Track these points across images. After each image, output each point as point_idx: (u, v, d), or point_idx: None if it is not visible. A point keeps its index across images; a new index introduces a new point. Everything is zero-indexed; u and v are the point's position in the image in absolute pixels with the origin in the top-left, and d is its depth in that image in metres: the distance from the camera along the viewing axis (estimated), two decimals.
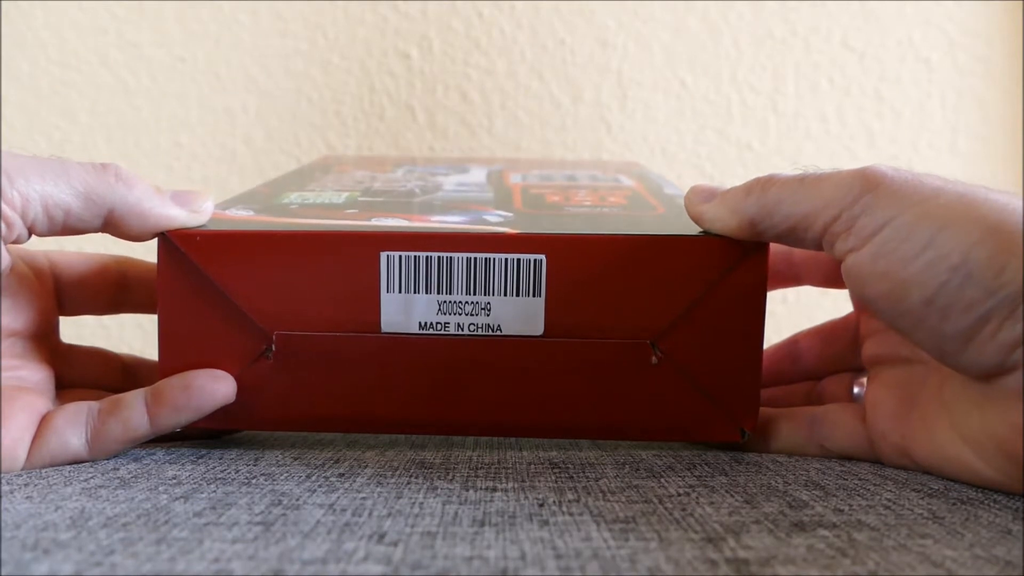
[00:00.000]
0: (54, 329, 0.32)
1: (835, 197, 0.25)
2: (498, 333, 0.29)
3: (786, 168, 0.27)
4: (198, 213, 0.29)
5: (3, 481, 0.26)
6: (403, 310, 0.29)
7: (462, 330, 0.29)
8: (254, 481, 0.26)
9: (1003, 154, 0.67)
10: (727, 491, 0.25)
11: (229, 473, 0.27)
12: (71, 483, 0.25)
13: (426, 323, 0.29)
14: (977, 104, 0.67)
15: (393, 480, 0.26)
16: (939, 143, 0.67)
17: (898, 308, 0.24)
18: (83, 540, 0.19)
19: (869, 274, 0.24)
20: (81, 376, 0.33)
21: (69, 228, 0.28)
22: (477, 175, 0.43)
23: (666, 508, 0.23)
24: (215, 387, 0.28)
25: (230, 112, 0.66)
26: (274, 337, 0.29)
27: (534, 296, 0.28)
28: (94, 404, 0.29)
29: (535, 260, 0.28)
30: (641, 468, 0.28)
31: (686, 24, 0.66)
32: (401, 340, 0.29)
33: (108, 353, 0.35)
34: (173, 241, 0.29)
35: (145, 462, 0.28)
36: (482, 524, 0.21)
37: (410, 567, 0.18)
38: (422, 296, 0.28)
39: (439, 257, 0.28)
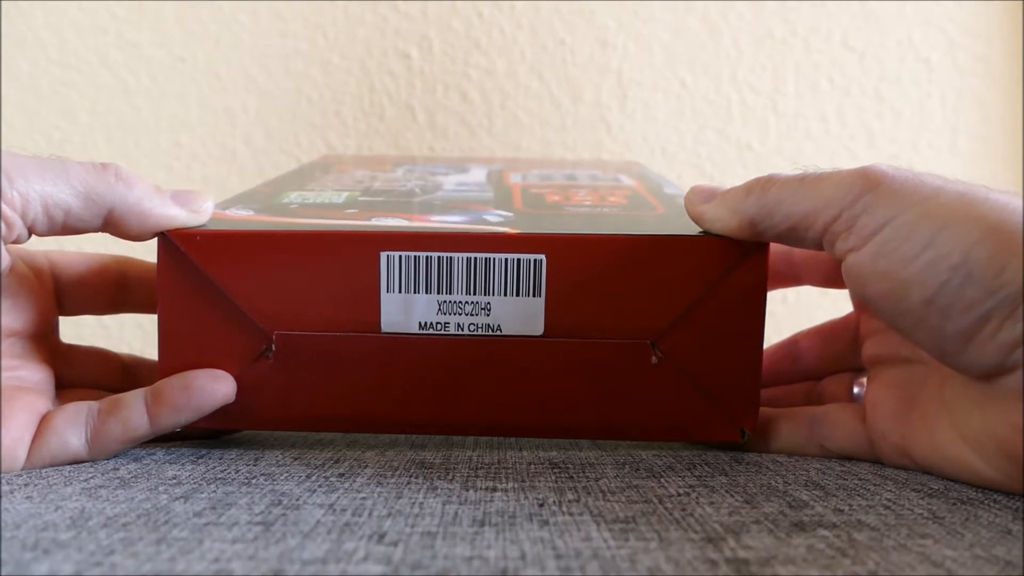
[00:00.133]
0: (54, 329, 0.32)
1: (835, 197, 0.25)
2: (498, 333, 0.29)
3: (786, 168, 0.27)
4: (198, 213, 0.29)
5: (3, 481, 0.26)
6: (403, 310, 0.29)
7: (462, 330, 0.29)
8: (254, 481, 0.26)
9: (1003, 154, 0.67)
10: (727, 491, 0.25)
11: (229, 473, 0.27)
12: (71, 483, 0.25)
13: (426, 323, 0.29)
14: (977, 104, 0.67)
15: (393, 480, 0.26)
16: (939, 143, 0.67)
17: (898, 308, 0.24)
18: (83, 540, 0.19)
19: (869, 273, 0.24)
20: (81, 376, 0.33)
21: (69, 228, 0.28)
22: (477, 175, 0.43)
23: (666, 508, 0.23)
24: (215, 387, 0.28)
25: (230, 112, 0.66)
26: (274, 337, 0.29)
27: (534, 296, 0.28)
28: (94, 404, 0.29)
29: (535, 260, 0.28)
30: (641, 468, 0.28)
31: (686, 24, 0.66)
32: (401, 340, 0.29)
33: (108, 353, 0.35)
34: (173, 241, 0.29)
35: (145, 462, 0.28)
36: (482, 524, 0.21)
37: (410, 567, 0.18)
38: (422, 296, 0.28)
39: (439, 257, 0.28)
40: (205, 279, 0.29)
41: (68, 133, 0.65)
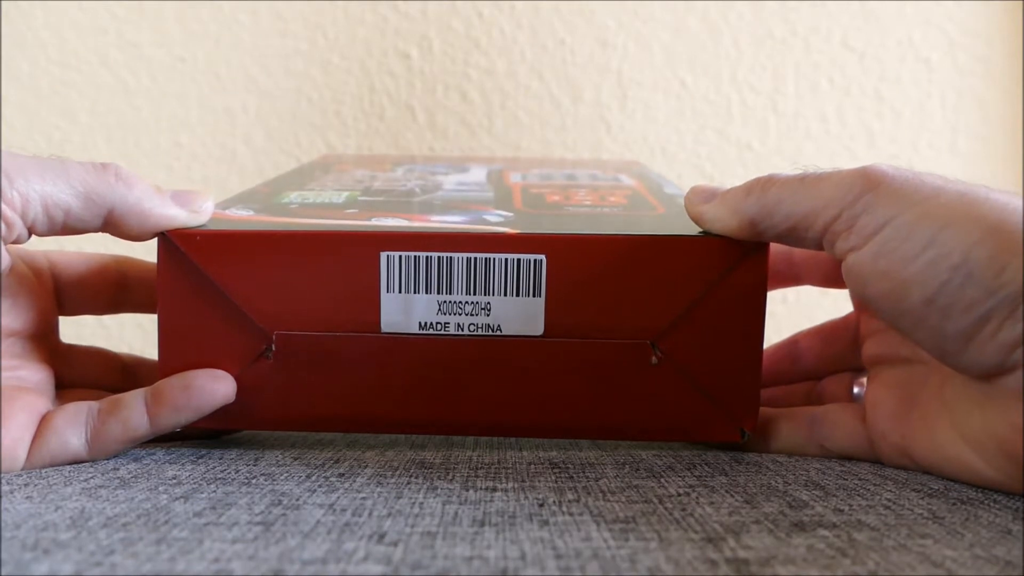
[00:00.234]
0: (54, 329, 0.32)
1: (836, 196, 0.25)
2: (498, 333, 0.29)
3: (786, 168, 0.27)
4: (198, 213, 0.29)
5: (3, 481, 0.26)
6: (403, 310, 0.29)
7: (462, 330, 0.29)
8: (254, 481, 0.26)
9: (1003, 154, 0.67)
10: (727, 491, 0.25)
11: (229, 473, 0.27)
12: (71, 483, 0.25)
13: (426, 323, 0.29)
14: (977, 104, 0.67)
15: (393, 480, 0.26)
16: (939, 143, 0.67)
17: (899, 307, 0.24)
18: (83, 540, 0.19)
19: (870, 273, 0.24)
20: (81, 376, 0.33)
21: (69, 228, 0.28)
22: (477, 174, 0.43)
23: (666, 508, 0.23)
24: (215, 387, 0.28)
25: (230, 112, 0.66)
26: (274, 337, 0.29)
27: (534, 296, 0.28)
28: (94, 404, 0.29)
29: (535, 260, 0.28)
30: (641, 468, 0.28)
31: (686, 24, 0.66)
32: (401, 340, 0.29)
33: (108, 353, 0.35)
34: (173, 241, 0.29)
35: (145, 462, 0.28)
36: (482, 524, 0.21)
37: (410, 567, 0.18)
38: (422, 296, 0.28)
39: (439, 257, 0.28)
40: (205, 279, 0.29)
41: (68, 133, 0.65)
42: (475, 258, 0.28)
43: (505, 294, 0.28)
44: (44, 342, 0.31)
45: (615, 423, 0.30)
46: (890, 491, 0.25)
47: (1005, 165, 0.67)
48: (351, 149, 0.66)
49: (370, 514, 0.22)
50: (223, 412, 0.29)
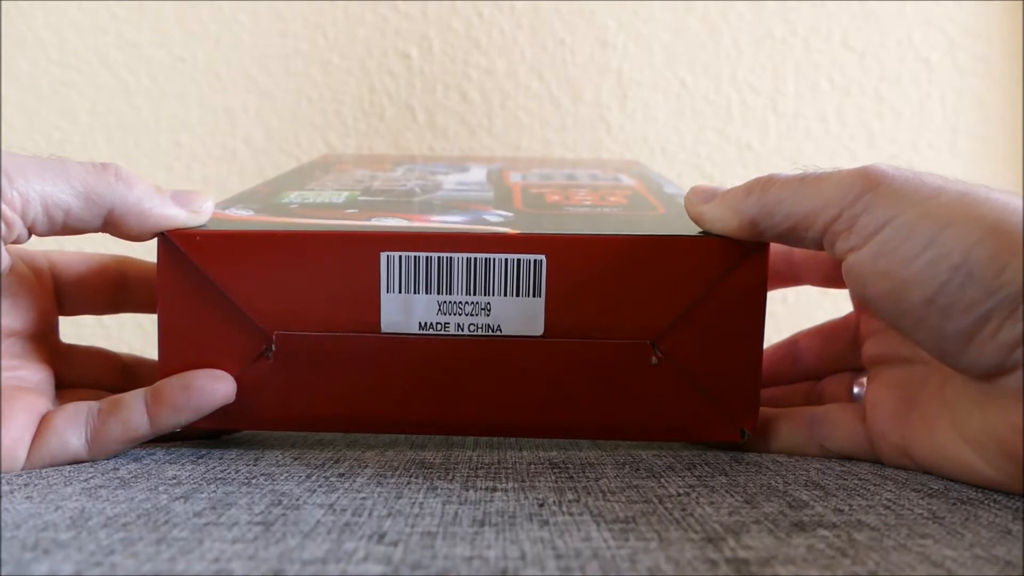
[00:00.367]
0: (54, 329, 0.32)
1: (836, 196, 0.25)
2: (498, 333, 0.29)
3: (786, 168, 0.27)
4: (198, 213, 0.29)
5: (3, 481, 0.26)
6: (403, 310, 0.29)
7: (462, 330, 0.29)
8: (254, 481, 0.26)
9: (1003, 154, 0.67)
10: (727, 491, 0.25)
11: (229, 473, 0.27)
12: (71, 483, 0.25)
13: (426, 323, 0.29)
14: (977, 104, 0.67)
15: (393, 480, 0.26)
16: (939, 143, 0.67)
17: (899, 307, 0.24)
18: (83, 540, 0.19)
19: (870, 273, 0.24)
20: (81, 376, 0.33)
21: (69, 228, 0.28)
22: (477, 174, 0.43)
23: (666, 508, 0.23)
24: (215, 387, 0.28)
25: (230, 112, 0.66)
26: (274, 337, 0.29)
27: (534, 296, 0.28)
28: (94, 404, 0.29)
29: (535, 260, 0.28)
30: (641, 468, 0.28)
31: (686, 24, 0.66)
32: (401, 340, 0.29)
33: (108, 353, 0.35)
34: (173, 241, 0.29)
35: (145, 462, 0.28)
36: (482, 524, 0.21)
37: (410, 567, 0.18)
38: (422, 296, 0.28)
39: (439, 257, 0.28)
40: (205, 279, 0.29)
41: (68, 133, 0.65)
42: (475, 258, 0.28)
43: (505, 294, 0.28)
44: (44, 342, 0.31)
45: (615, 423, 0.30)
46: (890, 491, 0.25)
47: (1005, 165, 0.67)
48: (351, 149, 0.66)
49: (370, 514, 0.22)
50: (223, 412, 0.29)
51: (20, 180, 0.26)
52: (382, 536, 0.20)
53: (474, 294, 0.28)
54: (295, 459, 0.29)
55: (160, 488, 0.25)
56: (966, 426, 0.25)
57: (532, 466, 0.28)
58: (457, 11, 0.65)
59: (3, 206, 0.26)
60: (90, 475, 0.26)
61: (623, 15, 0.66)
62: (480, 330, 0.29)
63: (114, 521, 0.21)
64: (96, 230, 0.29)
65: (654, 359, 0.29)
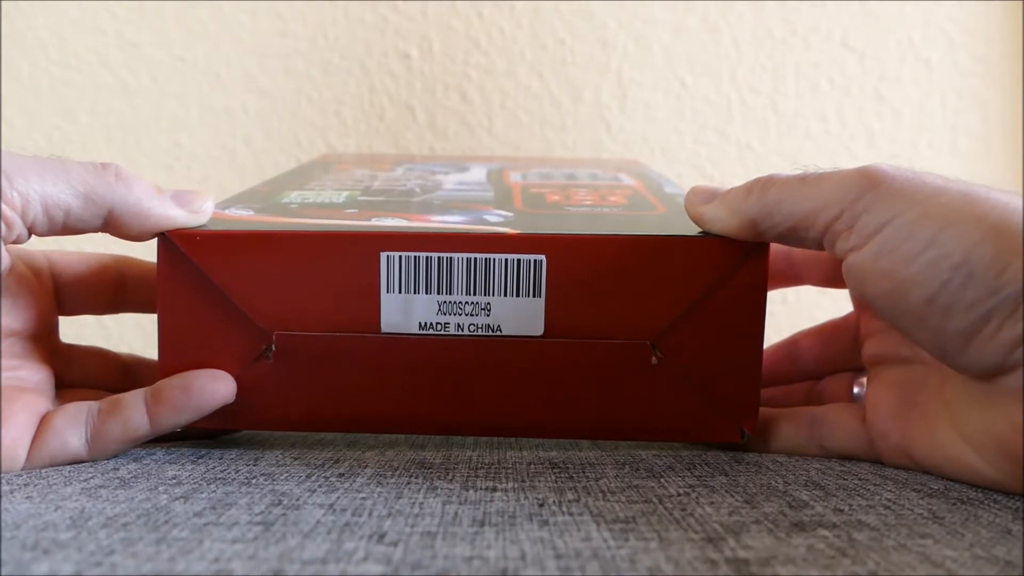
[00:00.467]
0: (53, 329, 0.32)
1: (836, 196, 0.25)
2: (498, 333, 0.29)
3: (786, 168, 0.27)
4: (198, 213, 0.29)
5: (3, 481, 0.26)
6: (403, 310, 0.29)
7: (462, 330, 0.29)
8: (254, 481, 0.26)
9: (1003, 154, 0.67)
10: (727, 491, 0.25)
11: (229, 473, 0.27)
12: (71, 483, 0.25)
13: (426, 323, 0.29)
14: (977, 104, 0.67)
15: (393, 480, 0.26)
16: (939, 143, 0.67)
17: (899, 307, 0.23)
18: (83, 540, 0.19)
19: (870, 273, 0.24)
20: (81, 376, 0.33)
21: (69, 228, 0.28)
22: (477, 173, 0.43)
23: (666, 508, 0.23)
24: (215, 387, 0.28)
25: (230, 112, 0.66)
26: (274, 337, 0.29)
27: (534, 296, 0.28)
28: (94, 404, 0.29)
29: (535, 260, 0.28)
30: (641, 468, 0.28)
31: (686, 24, 0.66)
32: (401, 340, 0.29)
33: (107, 352, 0.35)
34: (173, 241, 0.29)
35: (145, 462, 0.28)
36: (482, 524, 0.21)
37: (410, 567, 0.18)
38: (422, 296, 0.28)
39: (439, 257, 0.28)
40: (205, 279, 0.29)
41: (68, 133, 0.65)
42: (475, 258, 0.28)
43: (505, 294, 0.28)
44: (44, 342, 0.31)
45: (615, 423, 0.30)
46: (890, 491, 0.25)
47: (1005, 165, 0.67)
48: (351, 149, 0.66)
49: (370, 514, 0.22)
50: (223, 412, 0.29)
51: (20, 180, 0.26)
52: (382, 536, 0.20)
53: (474, 294, 0.28)
54: (295, 459, 0.29)
55: (160, 488, 0.25)
56: (966, 426, 0.25)
57: (532, 466, 0.28)
58: (457, 11, 0.65)
59: (3, 206, 0.26)
60: (90, 475, 0.26)
61: (623, 15, 0.66)
62: (480, 330, 0.29)
63: (114, 521, 0.21)
64: (96, 230, 0.29)
65: (654, 359, 0.29)
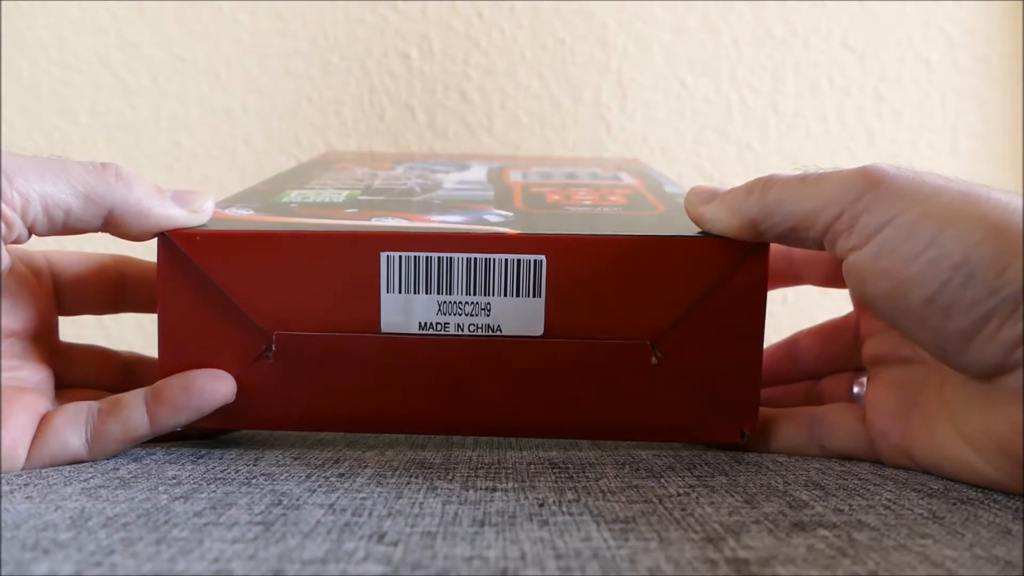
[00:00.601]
0: (53, 329, 0.32)
1: (836, 196, 0.25)
2: (498, 333, 0.29)
3: (786, 168, 0.27)
4: (198, 213, 0.29)
5: (3, 481, 0.26)
6: (403, 310, 0.29)
7: (462, 330, 0.29)
8: (254, 481, 0.26)
9: (1003, 154, 0.67)
10: (727, 491, 0.25)
11: (229, 473, 0.27)
12: (71, 483, 0.25)
13: (426, 323, 0.29)
14: (977, 104, 0.67)
15: (393, 480, 0.26)
16: (939, 143, 0.67)
17: (899, 307, 0.23)
18: (83, 540, 0.19)
19: (871, 273, 0.24)
20: (81, 375, 0.33)
21: (69, 228, 0.28)
22: (478, 172, 0.43)
23: (666, 508, 0.23)
24: (215, 387, 0.28)
25: (230, 112, 0.66)
26: (274, 337, 0.29)
27: (534, 296, 0.28)
28: (94, 404, 0.29)
29: (535, 260, 0.28)
30: (641, 468, 0.28)
31: (686, 24, 0.66)
32: (401, 340, 0.29)
33: (107, 351, 0.35)
34: (173, 241, 0.29)
35: (145, 462, 0.28)
36: (482, 524, 0.21)
37: (410, 567, 0.18)
38: (422, 296, 0.28)
39: (439, 257, 0.28)
40: (205, 279, 0.29)
41: (68, 133, 0.65)
42: (475, 258, 0.28)
43: (505, 294, 0.28)
44: (44, 342, 0.31)
45: (615, 423, 0.30)
46: (890, 491, 0.25)
47: (1005, 165, 0.67)
48: (351, 149, 0.66)
49: (370, 514, 0.22)
50: (223, 412, 0.29)
51: (20, 180, 0.26)
52: (382, 536, 0.20)
53: (474, 294, 0.28)
54: (295, 459, 0.29)
55: (160, 488, 0.25)
56: (966, 426, 0.25)
57: (532, 466, 0.28)
58: (457, 11, 0.65)
59: (3, 206, 0.26)
60: (90, 475, 0.26)
61: (623, 15, 0.66)
62: (480, 330, 0.29)
63: (114, 521, 0.21)
64: (96, 230, 0.29)
65: (654, 359, 0.29)
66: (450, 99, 0.66)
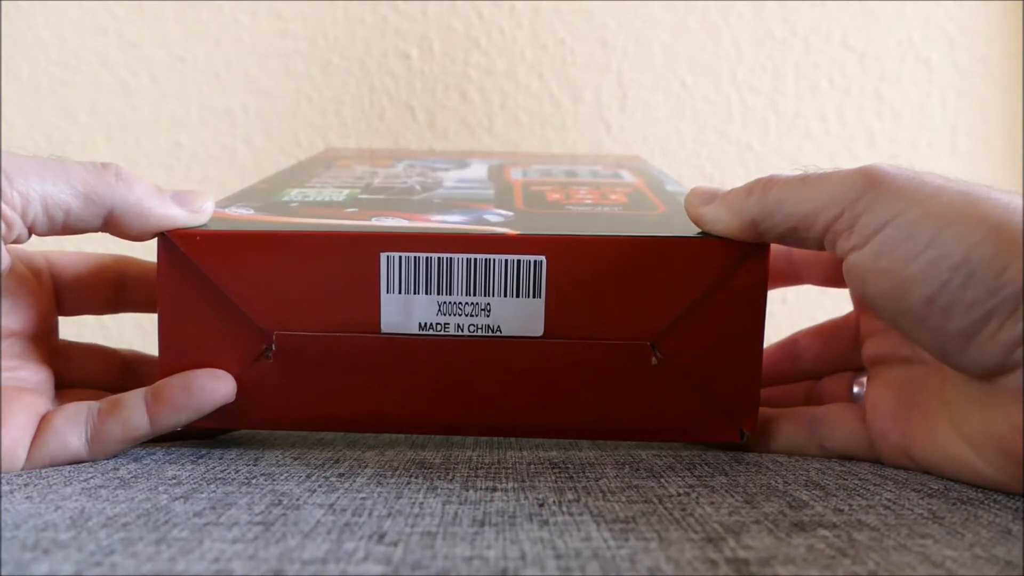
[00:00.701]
0: (53, 329, 0.32)
1: (837, 196, 0.25)
2: (498, 334, 0.29)
3: (786, 168, 0.27)
4: (198, 213, 0.29)
5: (3, 481, 0.26)
6: (403, 311, 0.29)
7: (462, 331, 0.29)
8: (254, 481, 0.26)
9: (1003, 154, 0.67)
10: (727, 491, 0.25)
11: (229, 473, 0.27)
12: (71, 483, 0.25)
13: (426, 324, 0.29)
14: (977, 104, 0.67)
15: (393, 480, 0.26)
16: (939, 143, 0.67)
17: (899, 307, 0.23)
18: (83, 540, 0.19)
19: (871, 272, 0.24)
20: (80, 374, 0.33)
21: (69, 228, 0.28)
22: (478, 170, 0.43)
23: (666, 508, 0.23)
24: (215, 387, 0.28)
25: (230, 112, 0.66)
26: (274, 337, 0.29)
27: (534, 297, 0.28)
28: (94, 404, 0.29)
29: (535, 261, 0.28)
30: (641, 468, 0.28)
31: (686, 24, 0.66)
32: (401, 341, 0.29)
33: (107, 349, 0.35)
34: (173, 241, 0.29)
35: (145, 462, 0.28)
36: (482, 524, 0.21)
37: (410, 567, 0.18)
38: (422, 297, 0.28)
39: (439, 258, 0.28)
40: (205, 279, 0.29)
41: (68, 133, 0.65)
42: (475, 259, 0.28)
43: (505, 295, 0.28)
44: (43, 342, 0.31)
45: (615, 423, 0.30)
46: (890, 491, 0.25)
47: (1005, 165, 0.67)
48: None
49: (370, 514, 0.22)
50: (223, 412, 0.29)
51: (20, 180, 0.26)
52: (382, 536, 0.20)
53: (474, 295, 0.28)
54: (295, 459, 0.29)
55: (160, 488, 0.25)
56: (966, 425, 0.25)
57: (532, 466, 0.28)
58: (457, 11, 0.65)
59: (3, 206, 0.26)
60: (90, 475, 0.26)
61: (623, 15, 0.66)
62: (480, 331, 0.29)
63: (114, 521, 0.21)
64: (96, 230, 0.29)
65: (654, 360, 0.29)
66: (450, 99, 0.66)
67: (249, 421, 0.30)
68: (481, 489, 0.25)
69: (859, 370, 0.33)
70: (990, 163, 0.67)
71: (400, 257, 0.28)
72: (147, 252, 0.30)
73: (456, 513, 0.22)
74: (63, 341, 0.33)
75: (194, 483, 0.25)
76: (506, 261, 0.28)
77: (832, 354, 0.34)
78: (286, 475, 0.26)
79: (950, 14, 0.66)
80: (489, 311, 0.29)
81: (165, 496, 0.24)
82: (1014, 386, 0.22)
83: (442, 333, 0.29)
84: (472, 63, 0.66)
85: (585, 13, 0.66)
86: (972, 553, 0.19)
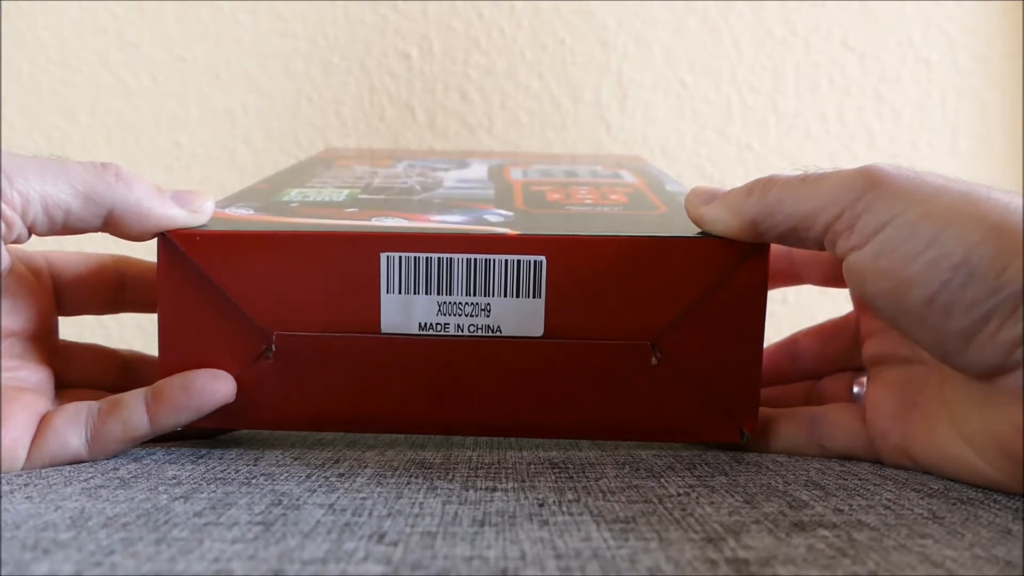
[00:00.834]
0: (53, 329, 0.32)
1: (837, 196, 0.25)
2: (498, 334, 0.29)
3: (786, 168, 0.27)
4: (198, 213, 0.29)
5: (3, 481, 0.26)
6: (403, 311, 0.29)
7: (462, 331, 0.29)
8: (254, 481, 0.26)
9: (1003, 154, 0.67)
10: (727, 491, 0.25)
11: (229, 473, 0.27)
12: (71, 483, 0.25)
13: (426, 324, 0.29)
14: (977, 104, 0.67)
15: (393, 480, 0.26)
16: (939, 143, 0.67)
17: (899, 306, 0.23)
18: (83, 540, 0.19)
19: (871, 272, 0.24)
20: (80, 374, 0.33)
21: (69, 228, 0.28)
22: (478, 170, 0.43)
23: (666, 508, 0.23)
24: (215, 387, 0.28)
25: (230, 112, 0.66)
26: (274, 337, 0.29)
27: (534, 297, 0.28)
28: (94, 404, 0.29)
29: (535, 261, 0.28)
30: (641, 468, 0.28)
31: (686, 24, 0.66)
32: (401, 341, 0.29)
33: (107, 349, 0.35)
34: (173, 241, 0.29)
35: (145, 462, 0.28)
36: (482, 524, 0.21)
37: (410, 567, 0.18)
38: (422, 297, 0.28)
39: (439, 258, 0.28)
40: (205, 279, 0.29)
41: (68, 133, 0.65)
42: (475, 259, 0.28)
43: (505, 295, 0.28)
44: (43, 342, 0.31)
45: (615, 423, 0.30)
46: (890, 491, 0.25)
47: (1005, 165, 0.67)
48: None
49: (370, 514, 0.22)
50: (223, 412, 0.29)
51: (20, 180, 0.26)
52: (382, 536, 0.20)
53: (474, 295, 0.28)
54: (295, 459, 0.29)
55: (160, 488, 0.25)
56: (966, 425, 0.25)
57: (532, 466, 0.28)
58: (457, 11, 0.65)
59: (3, 206, 0.26)
60: (90, 475, 0.26)
61: (623, 15, 0.66)
62: (480, 331, 0.29)
63: (114, 521, 0.21)
64: (96, 230, 0.29)
65: (654, 360, 0.29)
66: (450, 99, 0.66)
67: (249, 421, 0.30)
68: (481, 489, 0.25)
69: (859, 370, 0.33)
70: (990, 163, 0.67)
71: (400, 257, 0.28)
72: (147, 252, 0.30)
73: (456, 513, 0.22)
74: (63, 341, 0.33)
75: (194, 483, 0.25)
76: (506, 261, 0.28)
77: (832, 354, 0.34)
78: (286, 475, 0.26)
79: (950, 14, 0.66)
80: (489, 311, 0.29)
81: (165, 496, 0.24)
82: (1014, 386, 0.22)
83: (442, 333, 0.29)
84: (472, 63, 0.66)
85: (585, 13, 0.66)
86: (972, 553, 0.19)
